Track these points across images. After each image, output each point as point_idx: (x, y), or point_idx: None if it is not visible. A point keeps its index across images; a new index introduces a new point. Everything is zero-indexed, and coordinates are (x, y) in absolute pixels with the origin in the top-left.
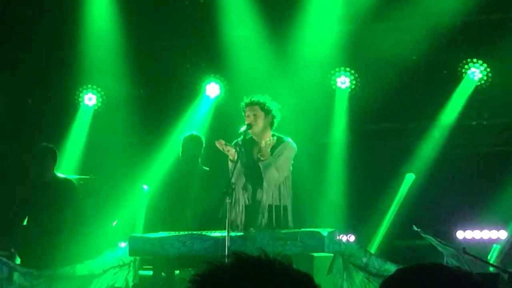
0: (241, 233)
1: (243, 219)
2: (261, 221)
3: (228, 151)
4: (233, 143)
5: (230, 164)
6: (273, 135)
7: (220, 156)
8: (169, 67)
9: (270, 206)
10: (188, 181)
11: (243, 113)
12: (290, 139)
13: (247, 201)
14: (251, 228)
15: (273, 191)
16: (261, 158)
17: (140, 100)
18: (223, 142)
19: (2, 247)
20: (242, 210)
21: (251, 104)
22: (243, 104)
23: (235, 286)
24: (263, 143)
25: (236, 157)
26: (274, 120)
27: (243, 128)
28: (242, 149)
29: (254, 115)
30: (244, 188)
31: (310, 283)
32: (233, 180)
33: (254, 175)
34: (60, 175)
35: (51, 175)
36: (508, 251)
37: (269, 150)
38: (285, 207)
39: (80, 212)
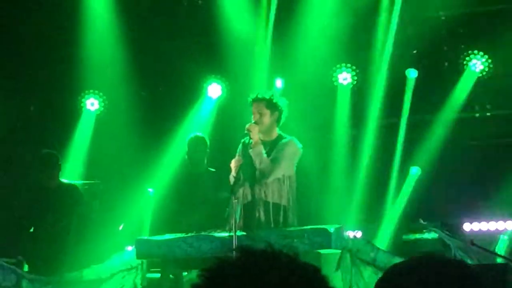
0: (248, 233)
1: (242, 217)
2: (258, 216)
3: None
4: (241, 141)
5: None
6: (279, 135)
7: (226, 157)
8: (170, 68)
9: (266, 202)
10: (195, 183)
11: (250, 108)
12: (294, 139)
13: (246, 199)
14: (256, 227)
15: (271, 188)
16: (251, 146)
17: (142, 103)
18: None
19: (10, 255)
20: (242, 208)
21: (257, 100)
22: (250, 99)
23: (242, 278)
24: (249, 127)
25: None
26: (281, 116)
27: (247, 126)
28: (246, 148)
29: (260, 112)
30: (245, 186)
31: (316, 274)
32: (237, 179)
33: (253, 173)
34: (64, 180)
35: (55, 181)
36: None
37: (257, 134)
38: (284, 207)
39: (85, 217)
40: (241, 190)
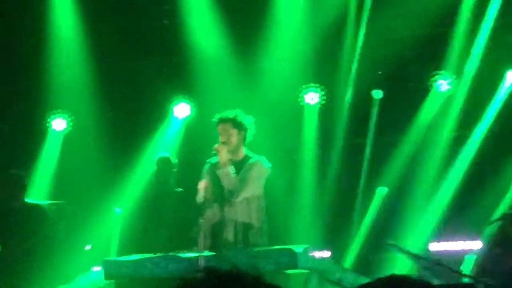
0: (215, 253)
1: (210, 238)
2: (226, 237)
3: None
4: (207, 161)
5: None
6: (246, 155)
7: (193, 177)
8: (138, 88)
9: (235, 222)
10: (162, 203)
11: (216, 129)
12: (263, 159)
13: (215, 220)
14: (224, 248)
15: (240, 208)
16: (219, 166)
17: (109, 123)
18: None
19: None
20: (210, 228)
21: (223, 121)
22: (215, 120)
23: None
24: (217, 147)
25: (206, 184)
26: (247, 135)
27: (215, 147)
28: (213, 168)
29: (227, 133)
30: (213, 206)
31: None
32: (205, 200)
33: (222, 194)
34: (30, 201)
35: (21, 201)
36: (484, 260)
37: (225, 155)
38: (253, 226)
39: (52, 238)
40: (209, 210)
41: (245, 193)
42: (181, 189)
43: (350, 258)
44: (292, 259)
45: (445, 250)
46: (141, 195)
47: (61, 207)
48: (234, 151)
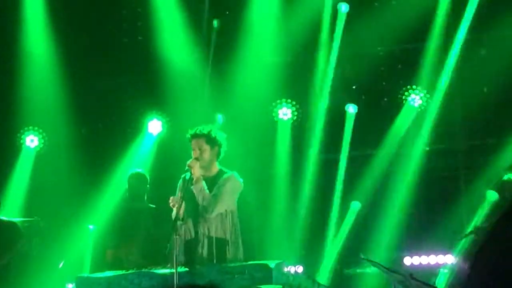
0: (189, 269)
1: (184, 253)
2: (201, 252)
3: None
4: (181, 177)
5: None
6: (220, 170)
7: (166, 193)
8: (110, 105)
9: (210, 237)
10: (135, 219)
11: (189, 144)
12: (235, 174)
13: (189, 235)
14: (198, 263)
15: (214, 223)
16: (193, 182)
17: (82, 140)
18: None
19: None
20: (184, 244)
21: (196, 136)
22: (188, 135)
23: None
24: (190, 163)
25: (180, 197)
26: (221, 150)
27: (189, 163)
28: (187, 184)
29: (200, 148)
30: (187, 222)
31: None
32: (179, 216)
33: (196, 209)
34: (3, 218)
35: None
36: (456, 274)
37: (198, 170)
38: (228, 242)
39: (25, 255)
40: (183, 226)
41: (220, 209)
42: (153, 206)
43: (324, 273)
44: (266, 274)
45: (419, 264)
46: (114, 212)
47: (34, 224)
48: (207, 166)
